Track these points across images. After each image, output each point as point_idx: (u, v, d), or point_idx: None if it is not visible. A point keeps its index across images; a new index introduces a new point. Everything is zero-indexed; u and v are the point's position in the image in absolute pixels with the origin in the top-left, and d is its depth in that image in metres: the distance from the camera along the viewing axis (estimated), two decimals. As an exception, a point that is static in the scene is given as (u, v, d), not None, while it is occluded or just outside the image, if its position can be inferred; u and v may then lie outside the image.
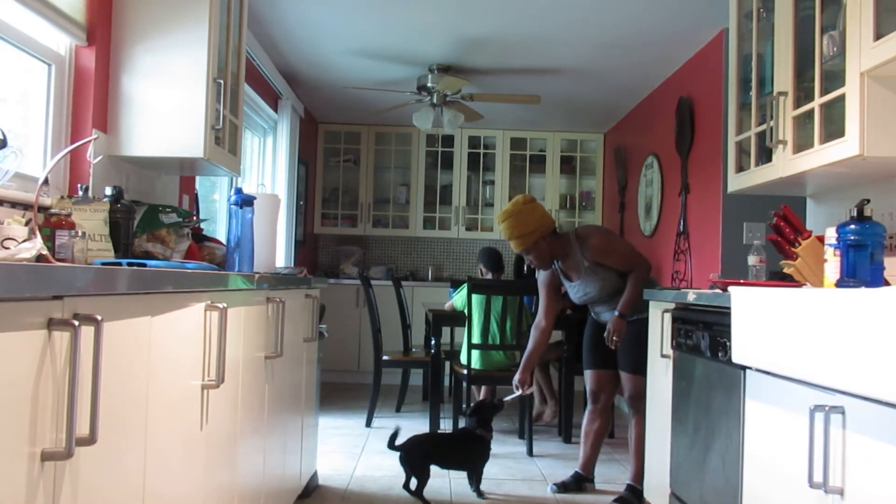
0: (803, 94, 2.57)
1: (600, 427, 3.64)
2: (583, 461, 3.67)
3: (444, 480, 3.66)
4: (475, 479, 3.49)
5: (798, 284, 2.46)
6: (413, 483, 3.34)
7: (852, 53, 2.17)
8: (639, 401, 3.39)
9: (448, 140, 7.19)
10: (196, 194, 3.72)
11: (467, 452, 3.47)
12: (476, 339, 4.33)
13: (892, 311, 1.34)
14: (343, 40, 4.65)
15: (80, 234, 1.91)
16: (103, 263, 1.84)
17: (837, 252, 2.20)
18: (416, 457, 3.34)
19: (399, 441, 3.37)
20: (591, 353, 3.59)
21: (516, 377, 3.66)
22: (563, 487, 3.59)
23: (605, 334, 3.40)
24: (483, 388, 4.98)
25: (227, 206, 3.61)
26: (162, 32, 2.75)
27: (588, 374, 3.62)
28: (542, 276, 3.61)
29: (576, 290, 3.52)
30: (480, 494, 3.46)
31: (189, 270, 1.69)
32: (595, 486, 3.67)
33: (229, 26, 3.01)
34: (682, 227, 4.72)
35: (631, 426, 3.50)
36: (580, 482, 3.63)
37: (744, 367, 2.09)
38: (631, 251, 3.48)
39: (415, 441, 3.42)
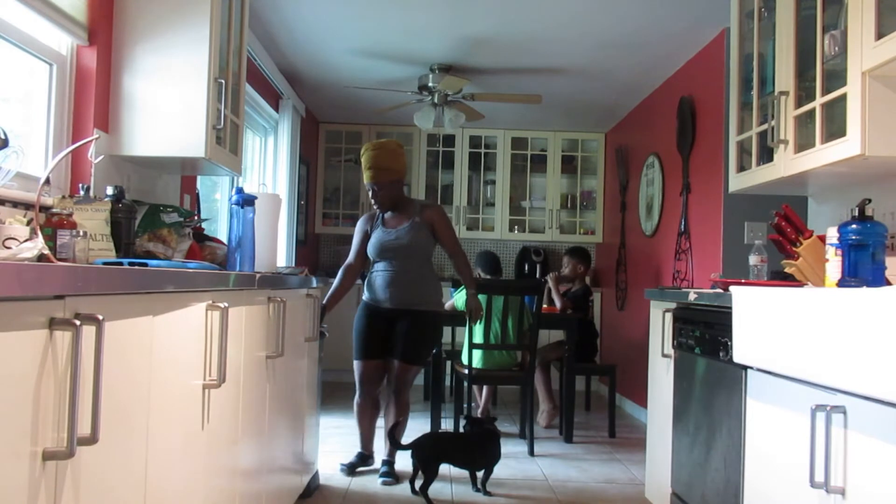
0: (805, 93, 2.57)
1: (372, 411, 3.84)
2: (363, 442, 3.87)
3: (444, 481, 3.66)
4: (485, 477, 3.48)
5: (799, 284, 2.46)
6: (418, 482, 3.34)
7: (854, 53, 2.17)
8: (405, 387, 3.65)
9: (449, 140, 7.18)
10: (197, 194, 3.73)
11: (481, 451, 3.47)
12: (478, 339, 4.32)
13: (894, 310, 1.34)
14: (344, 40, 4.65)
15: (81, 233, 1.91)
16: (105, 263, 1.84)
17: (839, 252, 2.20)
18: (431, 454, 3.34)
19: (404, 440, 3.38)
20: (365, 343, 3.74)
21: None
22: (350, 468, 3.77)
23: (468, 312, 3.86)
24: (484, 388, 4.98)
25: (228, 205, 3.62)
26: (163, 32, 2.75)
27: (358, 364, 3.76)
28: (360, 222, 3.85)
29: (388, 235, 3.70)
30: (488, 493, 3.46)
31: (190, 270, 1.69)
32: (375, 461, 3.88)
33: (230, 26, 3.01)
34: (683, 227, 4.72)
35: (390, 411, 3.66)
36: (365, 459, 3.85)
37: (745, 367, 2.09)
38: (456, 240, 3.81)
39: (429, 438, 3.43)
